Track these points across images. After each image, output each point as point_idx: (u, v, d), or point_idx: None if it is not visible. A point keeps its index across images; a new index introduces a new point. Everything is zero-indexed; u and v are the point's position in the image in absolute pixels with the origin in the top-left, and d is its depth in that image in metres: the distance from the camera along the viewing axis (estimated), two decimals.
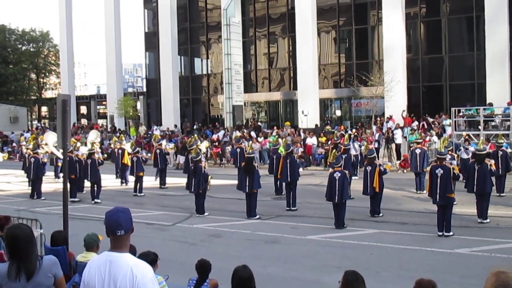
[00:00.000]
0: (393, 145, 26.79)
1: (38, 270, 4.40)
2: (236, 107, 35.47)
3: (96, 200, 19.01)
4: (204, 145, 25.71)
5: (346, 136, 22.28)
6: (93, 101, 55.16)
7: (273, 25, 38.69)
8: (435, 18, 33.32)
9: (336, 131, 26.06)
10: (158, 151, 22.70)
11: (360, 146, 23.13)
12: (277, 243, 12.70)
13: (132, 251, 5.82)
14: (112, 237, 4.00)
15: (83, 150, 21.68)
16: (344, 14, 35.53)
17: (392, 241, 12.41)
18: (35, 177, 20.33)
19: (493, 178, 15.11)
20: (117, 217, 4.01)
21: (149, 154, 25.63)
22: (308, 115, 32.65)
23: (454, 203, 13.41)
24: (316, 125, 32.66)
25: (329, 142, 25.95)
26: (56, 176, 24.66)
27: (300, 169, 17.55)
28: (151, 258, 6.71)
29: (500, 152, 17.99)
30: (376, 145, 26.02)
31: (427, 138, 24.55)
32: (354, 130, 28.72)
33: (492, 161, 14.96)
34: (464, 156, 19.41)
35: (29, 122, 58.17)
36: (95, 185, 19.32)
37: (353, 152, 21.65)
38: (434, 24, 33.47)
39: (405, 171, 24.03)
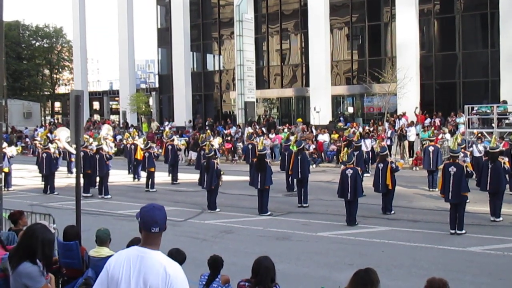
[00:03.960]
0: (406, 142, 26.69)
1: (13, 271, 4.52)
2: (248, 104, 35.44)
3: (104, 196, 19.10)
4: (217, 141, 25.73)
5: (357, 133, 22.23)
6: (106, 97, 55.43)
7: (286, 22, 38.62)
8: (448, 15, 33.09)
9: (349, 128, 26.00)
10: (169, 147, 22.77)
11: (372, 142, 23.10)
12: (288, 239, 12.71)
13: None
14: (145, 233, 3.94)
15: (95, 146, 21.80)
16: (357, 11, 35.39)
17: (404, 238, 12.37)
18: (48, 172, 20.48)
19: (507, 176, 14.97)
20: (154, 213, 3.95)
21: (160, 150, 25.71)
22: (320, 111, 32.59)
23: (467, 201, 13.34)
24: (330, 121, 32.61)
25: (341, 139, 25.88)
26: (69, 171, 24.83)
27: (313, 166, 17.51)
28: (182, 257, 6.79)
29: None
30: (389, 142, 25.92)
31: (440, 136, 24.40)
32: (366, 127, 28.65)
33: (506, 159, 14.83)
34: (477, 153, 19.26)
35: (43, 118, 58.58)
36: (102, 180, 19.44)
37: (364, 148, 21.59)
38: (448, 21, 33.23)
39: (417, 168, 23.92)
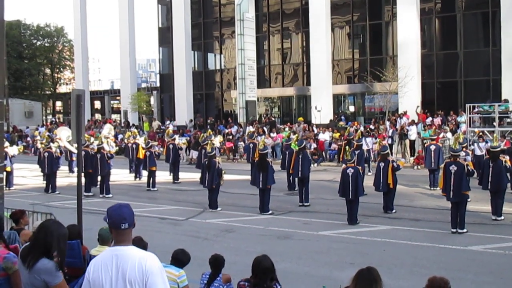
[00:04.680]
0: (407, 141, 26.66)
1: (30, 269, 4.52)
2: (249, 103, 35.45)
3: (106, 195, 19.10)
4: (218, 140, 25.73)
5: (359, 132, 22.23)
6: (107, 96, 55.41)
7: (287, 21, 38.59)
8: (450, 14, 33.05)
9: (349, 127, 25.99)
10: (171, 146, 22.78)
11: (373, 140, 23.13)
12: (289, 238, 12.71)
13: (143, 246, 5.87)
14: (115, 231, 4.06)
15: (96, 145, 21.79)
16: (358, 10, 35.35)
17: (405, 237, 12.37)
18: (49, 171, 20.50)
19: (508, 175, 14.96)
20: (121, 211, 4.09)
21: (161, 149, 25.72)
22: (322, 110, 32.58)
23: (468, 200, 13.34)
24: (331, 120, 32.60)
25: (342, 138, 25.88)
26: (71, 171, 24.83)
27: (315, 165, 17.49)
28: (187, 258, 6.81)
29: None
30: (390, 141, 25.92)
31: (441, 135, 24.40)
32: (369, 125, 28.69)
33: (507, 158, 14.82)
34: (478, 152, 19.24)
35: (44, 117, 58.59)
36: (103, 179, 19.46)
37: (365, 147, 21.59)
38: (449, 19, 33.19)
39: (419, 167, 23.91)
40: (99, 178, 19.72)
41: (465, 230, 12.56)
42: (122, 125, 40.93)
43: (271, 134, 29.67)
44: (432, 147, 18.95)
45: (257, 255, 6.19)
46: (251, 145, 22.26)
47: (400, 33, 31.69)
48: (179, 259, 6.73)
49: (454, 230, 12.58)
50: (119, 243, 4.04)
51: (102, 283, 3.94)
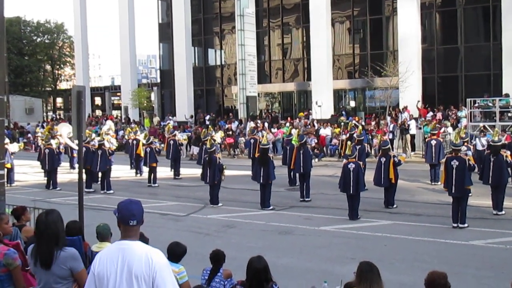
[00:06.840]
0: (408, 136, 26.62)
1: (55, 261, 4.54)
2: (250, 98, 35.43)
3: (107, 191, 19.10)
4: (219, 135, 25.70)
5: (360, 127, 22.19)
6: (108, 92, 55.40)
7: (287, 16, 38.53)
8: (450, 8, 32.99)
9: (350, 122, 25.95)
10: (171, 142, 22.76)
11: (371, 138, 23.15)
12: (290, 234, 12.72)
13: (145, 242, 5.87)
14: (123, 227, 4.09)
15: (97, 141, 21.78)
16: (358, 4, 35.28)
17: (406, 232, 12.38)
18: (50, 168, 20.51)
19: (509, 170, 14.95)
20: (131, 207, 4.12)
21: (162, 145, 25.67)
22: (322, 106, 32.55)
23: (469, 194, 13.33)
24: (332, 115, 32.59)
25: (344, 132, 25.86)
26: (72, 167, 24.84)
27: (316, 160, 17.47)
28: (182, 250, 6.80)
29: None
30: (391, 136, 25.88)
31: (442, 130, 24.35)
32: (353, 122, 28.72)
33: (508, 152, 14.80)
34: (480, 147, 19.22)
35: (45, 114, 58.57)
36: (104, 175, 19.45)
37: None
38: (450, 14, 33.13)
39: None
40: (99, 174, 19.74)
41: (466, 225, 12.56)
42: (123, 121, 40.93)
43: (272, 130, 29.64)
44: (433, 142, 18.91)
45: (261, 250, 6.19)
46: (252, 140, 22.26)
47: (400, 28, 31.64)
48: (174, 251, 6.72)
49: (455, 225, 12.59)
50: (125, 238, 4.08)
51: (107, 275, 3.98)
